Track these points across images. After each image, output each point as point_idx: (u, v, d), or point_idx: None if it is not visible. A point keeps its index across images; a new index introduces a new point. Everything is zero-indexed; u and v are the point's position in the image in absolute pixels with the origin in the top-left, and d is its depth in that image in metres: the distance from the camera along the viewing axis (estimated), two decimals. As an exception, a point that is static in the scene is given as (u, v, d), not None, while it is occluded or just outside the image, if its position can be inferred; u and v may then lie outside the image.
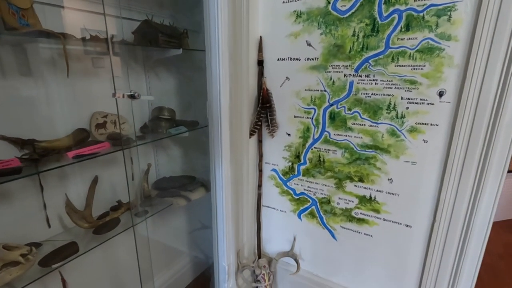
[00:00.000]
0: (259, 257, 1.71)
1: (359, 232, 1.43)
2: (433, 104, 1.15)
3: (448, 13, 1.05)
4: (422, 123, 1.18)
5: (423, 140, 1.19)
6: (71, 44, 1.03)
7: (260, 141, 1.57)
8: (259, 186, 1.63)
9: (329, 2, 1.24)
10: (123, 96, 0.95)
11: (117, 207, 1.20)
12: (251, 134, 1.50)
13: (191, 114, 1.57)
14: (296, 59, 1.38)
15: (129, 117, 1.26)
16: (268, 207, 1.67)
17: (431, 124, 1.17)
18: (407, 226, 1.31)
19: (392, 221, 1.34)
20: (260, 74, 1.47)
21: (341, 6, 1.22)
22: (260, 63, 1.45)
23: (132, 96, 0.97)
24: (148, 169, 1.36)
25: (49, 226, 1.07)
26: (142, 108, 1.38)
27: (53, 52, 1.04)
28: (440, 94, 1.13)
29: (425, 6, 1.08)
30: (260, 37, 1.43)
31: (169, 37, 1.23)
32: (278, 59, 1.42)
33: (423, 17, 1.09)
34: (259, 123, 1.49)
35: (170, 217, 1.64)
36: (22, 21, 0.87)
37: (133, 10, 1.30)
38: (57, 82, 1.08)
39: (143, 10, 1.33)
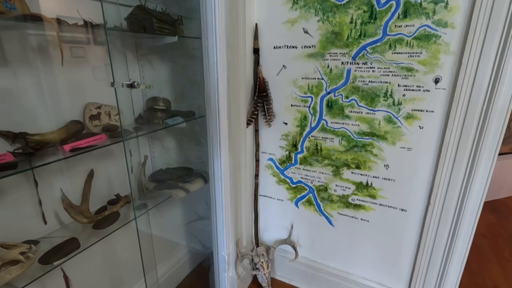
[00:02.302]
0: (257, 245, 1.73)
1: (356, 218, 1.47)
2: (429, 91, 1.17)
3: (445, 0, 1.06)
4: (418, 110, 1.21)
5: (419, 126, 1.22)
6: (62, 30, 0.97)
7: (256, 131, 1.55)
8: (256, 175, 1.62)
9: (327, -11, 1.23)
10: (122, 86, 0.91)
11: (115, 200, 1.17)
12: (248, 124, 1.48)
13: (186, 104, 1.54)
14: (293, 47, 1.36)
15: (124, 107, 1.21)
16: (265, 196, 1.68)
17: (427, 111, 1.20)
18: (402, 210, 1.36)
19: (388, 206, 1.38)
20: (256, 62, 1.44)
21: (339, -7, 1.21)
22: (256, 51, 1.42)
23: (131, 86, 0.93)
24: (145, 161, 1.33)
25: (45, 222, 1.03)
26: (136, 98, 1.33)
27: (40, 39, 0.98)
28: (436, 81, 1.15)
29: (423, -7, 1.08)
30: (256, 24, 1.40)
31: (163, 24, 1.18)
32: (274, 47, 1.40)
33: (421, 4, 1.10)
34: (256, 112, 1.47)
35: (166, 209, 1.62)
36: (8, 5, 0.81)
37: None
38: (46, 72, 1.02)
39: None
